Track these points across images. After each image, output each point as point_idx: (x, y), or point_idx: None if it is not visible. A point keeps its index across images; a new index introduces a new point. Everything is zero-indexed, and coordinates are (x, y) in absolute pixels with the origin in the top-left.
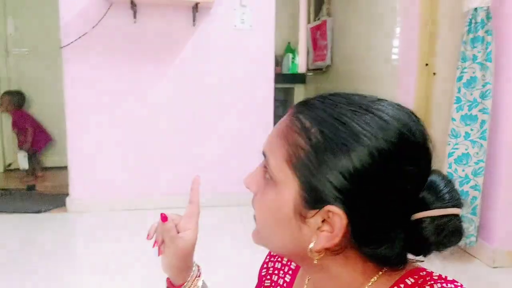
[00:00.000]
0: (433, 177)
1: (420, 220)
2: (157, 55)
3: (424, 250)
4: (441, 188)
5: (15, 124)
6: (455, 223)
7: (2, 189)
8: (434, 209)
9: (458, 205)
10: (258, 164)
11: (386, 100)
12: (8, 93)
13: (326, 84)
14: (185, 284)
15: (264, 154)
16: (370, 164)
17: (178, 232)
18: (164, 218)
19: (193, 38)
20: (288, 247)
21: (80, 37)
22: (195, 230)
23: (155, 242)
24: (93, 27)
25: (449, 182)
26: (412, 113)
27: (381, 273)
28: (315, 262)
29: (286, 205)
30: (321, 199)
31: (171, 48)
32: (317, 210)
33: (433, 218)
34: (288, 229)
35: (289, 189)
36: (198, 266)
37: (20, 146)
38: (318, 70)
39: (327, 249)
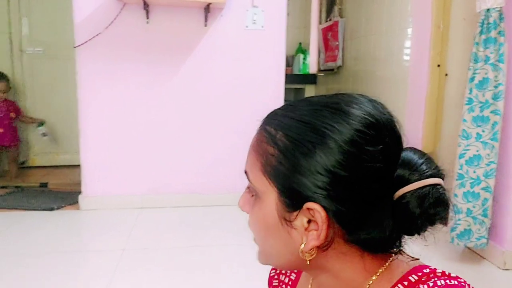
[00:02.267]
0: (405, 153)
1: (402, 197)
2: (169, 55)
3: (414, 226)
4: (415, 161)
5: (14, 110)
6: (437, 192)
7: (15, 186)
8: (412, 182)
9: (437, 175)
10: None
11: (344, 93)
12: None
13: (337, 84)
14: None
15: (245, 173)
16: (338, 155)
17: None
18: None
19: (204, 38)
20: (286, 256)
21: (93, 37)
22: None
23: None
24: (107, 27)
25: (423, 154)
26: (372, 99)
27: (381, 270)
28: (308, 263)
29: (271, 214)
30: (299, 199)
31: (183, 48)
32: (298, 210)
33: (413, 191)
34: (280, 238)
35: (270, 197)
36: None
37: None
38: (329, 71)
39: (317, 247)
